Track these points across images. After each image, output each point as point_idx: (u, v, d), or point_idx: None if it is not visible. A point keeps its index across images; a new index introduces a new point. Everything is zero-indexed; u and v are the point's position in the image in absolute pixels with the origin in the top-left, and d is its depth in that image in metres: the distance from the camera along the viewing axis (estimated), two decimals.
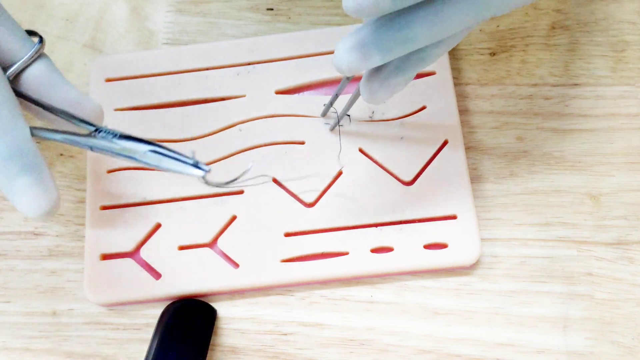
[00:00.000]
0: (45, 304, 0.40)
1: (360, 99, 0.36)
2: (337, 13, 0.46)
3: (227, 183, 0.31)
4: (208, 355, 0.38)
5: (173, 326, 0.37)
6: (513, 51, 0.44)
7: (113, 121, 0.42)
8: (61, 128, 0.33)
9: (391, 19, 0.28)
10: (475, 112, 0.43)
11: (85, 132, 0.32)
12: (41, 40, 0.33)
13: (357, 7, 0.26)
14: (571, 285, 0.39)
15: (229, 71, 0.43)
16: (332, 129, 0.41)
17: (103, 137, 0.31)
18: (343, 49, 0.29)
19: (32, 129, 0.31)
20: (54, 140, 0.32)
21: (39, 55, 0.33)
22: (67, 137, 0.31)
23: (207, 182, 0.30)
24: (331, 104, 0.40)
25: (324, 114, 0.42)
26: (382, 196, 0.40)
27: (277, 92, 0.43)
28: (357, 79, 0.41)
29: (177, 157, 0.30)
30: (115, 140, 0.31)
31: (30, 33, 0.34)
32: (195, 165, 0.30)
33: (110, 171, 0.41)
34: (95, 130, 0.32)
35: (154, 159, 0.30)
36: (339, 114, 0.40)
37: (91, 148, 0.31)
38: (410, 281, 0.39)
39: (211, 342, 0.38)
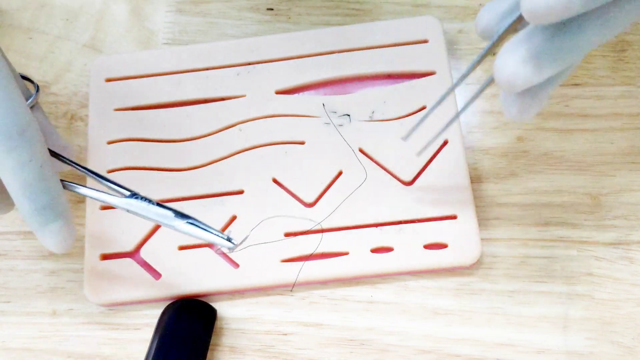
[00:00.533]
0: (45, 304, 0.40)
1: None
2: (337, 13, 0.46)
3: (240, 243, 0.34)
4: (208, 355, 0.38)
5: (173, 326, 0.37)
6: None
7: (113, 121, 0.42)
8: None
9: (563, 24, 0.25)
10: (475, 112, 0.43)
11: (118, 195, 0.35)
12: (38, 88, 0.35)
13: (547, 8, 0.23)
14: (571, 285, 0.39)
15: (229, 71, 0.43)
16: (419, 154, 0.38)
17: (140, 202, 0.34)
18: (515, 61, 0.25)
19: (67, 183, 0.34)
20: (89, 197, 0.35)
21: (35, 103, 0.35)
22: (102, 196, 0.34)
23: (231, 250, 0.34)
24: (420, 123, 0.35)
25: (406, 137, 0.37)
26: (382, 196, 0.40)
27: (277, 92, 0.43)
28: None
29: (211, 231, 0.33)
30: (151, 206, 0.34)
31: (24, 78, 0.34)
32: (228, 239, 0.33)
33: (110, 171, 0.41)
34: (131, 194, 0.34)
35: (190, 229, 0.33)
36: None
37: (128, 210, 0.34)
38: (410, 281, 0.39)
39: (211, 342, 0.38)
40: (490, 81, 0.30)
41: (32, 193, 0.32)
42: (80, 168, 0.36)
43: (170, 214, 0.33)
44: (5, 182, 0.32)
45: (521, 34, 0.26)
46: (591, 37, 0.25)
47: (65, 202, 0.33)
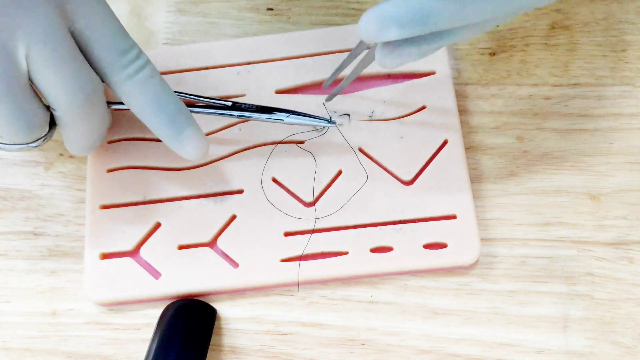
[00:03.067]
0: (45, 304, 0.40)
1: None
2: (337, 13, 0.46)
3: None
4: (208, 355, 0.38)
5: (173, 326, 0.37)
6: (513, 51, 0.44)
7: (114, 119, 0.42)
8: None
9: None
10: (475, 112, 0.43)
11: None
12: None
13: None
14: (571, 285, 0.39)
15: (229, 71, 0.43)
16: (328, 100, 0.41)
17: (247, 109, 0.40)
18: (365, 18, 0.30)
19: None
20: (204, 113, 0.39)
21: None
22: (214, 111, 0.40)
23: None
24: (336, 72, 0.40)
25: (327, 85, 0.42)
26: (382, 196, 0.40)
27: (277, 92, 0.43)
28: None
29: (313, 116, 0.40)
30: (256, 113, 0.39)
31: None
32: (329, 120, 0.40)
33: (109, 170, 0.41)
34: (232, 104, 0.40)
35: (295, 120, 0.40)
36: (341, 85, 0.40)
37: (239, 117, 0.40)
38: (411, 281, 0.39)
39: (211, 342, 0.38)
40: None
41: (162, 104, 0.36)
42: (180, 94, 0.39)
43: (281, 115, 0.39)
44: (129, 102, 0.35)
45: None
46: (440, 19, 0.29)
47: (188, 110, 0.37)
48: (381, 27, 0.29)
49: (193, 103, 0.40)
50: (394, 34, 0.30)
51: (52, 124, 0.36)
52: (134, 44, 0.36)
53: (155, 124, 0.36)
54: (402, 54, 0.32)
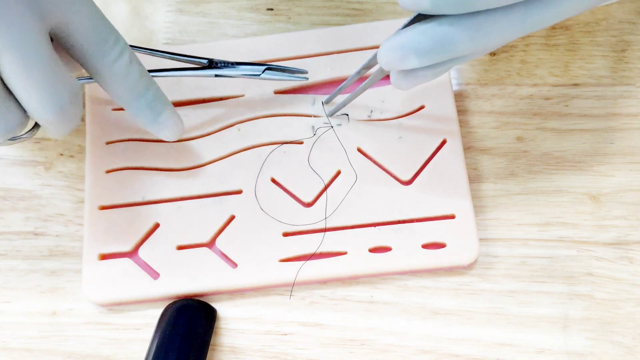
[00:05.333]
0: (45, 304, 0.40)
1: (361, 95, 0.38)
2: (337, 13, 0.46)
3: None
4: (208, 355, 0.38)
5: (173, 326, 0.37)
6: (513, 51, 0.44)
7: (112, 121, 0.42)
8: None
9: (433, 28, 0.29)
10: (475, 112, 0.43)
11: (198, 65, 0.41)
12: None
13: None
14: (571, 285, 0.39)
15: None
16: (328, 101, 0.42)
17: (223, 66, 0.40)
18: (385, 48, 0.31)
19: (155, 71, 0.39)
20: (181, 76, 0.40)
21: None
22: (191, 73, 0.40)
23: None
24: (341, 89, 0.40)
25: (328, 101, 0.42)
26: (380, 196, 0.40)
27: (276, 92, 0.43)
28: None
29: (288, 69, 0.41)
30: (234, 67, 0.40)
31: None
32: (303, 72, 0.41)
33: (109, 171, 0.41)
34: (209, 62, 0.40)
35: (271, 75, 0.40)
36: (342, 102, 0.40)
37: (216, 75, 0.40)
38: (410, 281, 0.39)
39: (211, 342, 0.38)
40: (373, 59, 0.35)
41: (140, 91, 0.36)
42: (155, 51, 0.40)
43: (257, 70, 0.40)
44: (109, 90, 0.36)
45: (404, 22, 0.31)
46: (460, 47, 0.29)
47: (163, 93, 0.38)
48: (401, 57, 0.30)
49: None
50: (413, 63, 0.30)
51: (37, 124, 0.35)
52: (111, 30, 0.35)
53: (133, 109, 0.37)
54: (417, 76, 0.32)
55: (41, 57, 0.32)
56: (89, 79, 0.38)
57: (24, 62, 0.31)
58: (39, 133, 0.40)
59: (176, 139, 0.39)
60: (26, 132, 0.35)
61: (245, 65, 0.40)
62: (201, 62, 0.40)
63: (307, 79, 0.41)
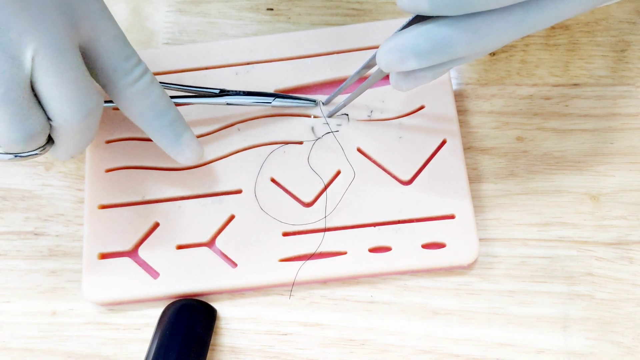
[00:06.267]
0: (45, 304, 0.40)
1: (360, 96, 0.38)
2: (337, 13, 0.46)
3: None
4: (208, 355, 0.38)
5: (173, 326, 0.37)
6: (513, 51, 0.44)
7: (112, 120, 0.42)
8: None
9: (432, 29, 0.29)
10: (475, 112, 0.43)
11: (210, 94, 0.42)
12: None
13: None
14: (571, 285, 0.39)
15: (228, 71, 0.43)
16: (328, 101, 0.42)
17: (234, 95, 0.41)
18: (384, 49, 0.31)
19: (173, 97, 0.40)
20: (193, 104, 0.41)
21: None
22: (203, 100, 0.41)
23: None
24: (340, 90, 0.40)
25: (328, 101, 0.42)
26: (380, 196, 0.40)
27: (277, 92, 0.43)
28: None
29: (298, 97, 0.42)
30: (244, 97, 0.41)
31: None
32: (313, 101, 0.42)
33: (108, 170, 0.41)
34: (221, 91, 0.41)
35: (281, 103, 0.41)
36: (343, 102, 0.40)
37: (227, 103, 0.41)
38: (410, 281, 0.39)
39: (211, 342, 0.38)
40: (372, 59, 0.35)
41: (161, 109, 0.37)
42: (166, 84, 0.41)
43: (267, 99, 0.41)
44: (131, 109, 0.36)
45: (402, 23, 0.31)
46: (459, 49, 0.29)
47: (183, 117, 0.38)
48: (400, 58, 0.30)
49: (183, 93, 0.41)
50: (412, 65, 0.30)
51: (49, 139, 0.35)
52: (134, 51, 0.36)
53: (155, 128, 0.37)
54: (417, 77, 0.32)
55: (74, 60, 0.33)
56: (108, 102, 0.39)
57: (58, 62, 0.32)
58: None
59: (195, 163, 0.39)
60: (38, 148, 0.34)
61: (253, 96, 0.41)
62: (212, 92, 0.41)
63: (316, 104, 0.42)
